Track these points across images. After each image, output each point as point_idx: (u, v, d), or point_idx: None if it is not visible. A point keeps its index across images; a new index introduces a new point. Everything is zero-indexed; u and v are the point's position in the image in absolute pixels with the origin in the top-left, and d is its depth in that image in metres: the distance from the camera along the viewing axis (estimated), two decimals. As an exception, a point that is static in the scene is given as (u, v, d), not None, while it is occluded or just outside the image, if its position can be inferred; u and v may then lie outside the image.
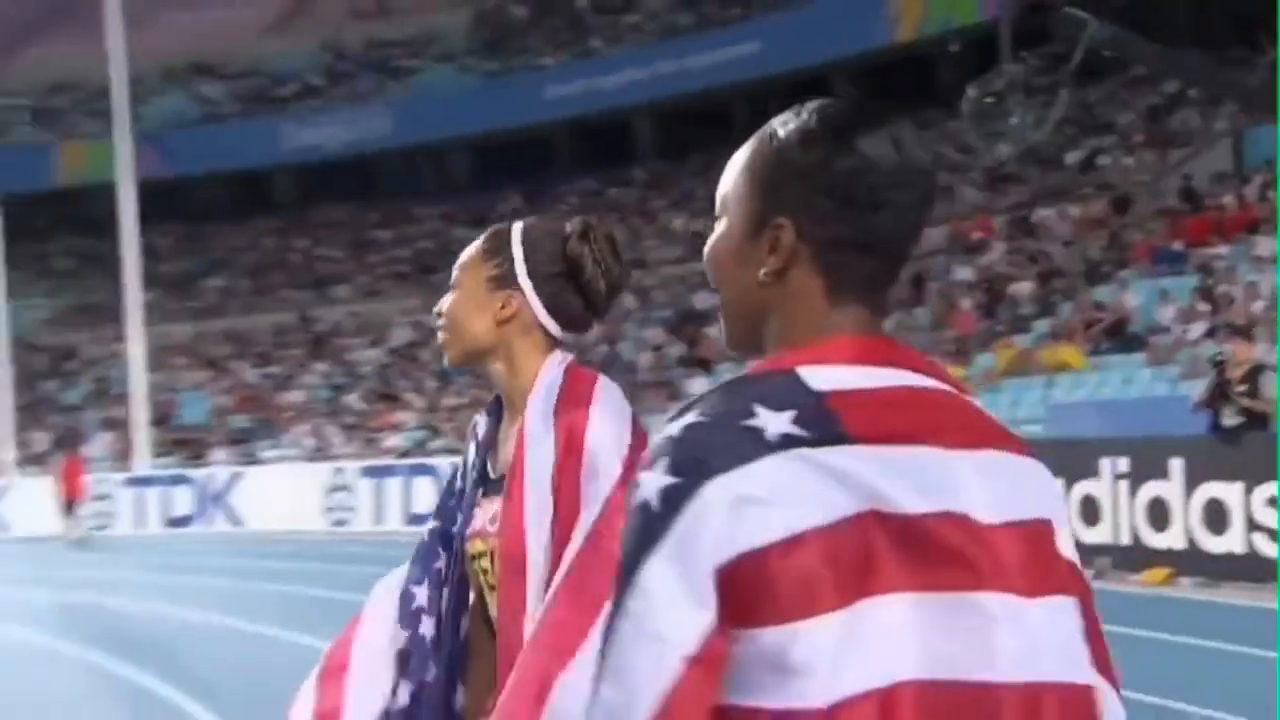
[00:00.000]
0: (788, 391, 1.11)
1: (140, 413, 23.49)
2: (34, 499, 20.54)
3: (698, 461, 1.06)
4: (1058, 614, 1.12)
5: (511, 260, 1.80)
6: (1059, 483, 1.26)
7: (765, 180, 1.18)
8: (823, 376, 1.11)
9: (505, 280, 1.79)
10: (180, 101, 37.74)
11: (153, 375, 27.94)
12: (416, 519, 17.70)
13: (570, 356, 1.83)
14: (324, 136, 33.43)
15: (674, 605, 1.04)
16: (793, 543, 1.04)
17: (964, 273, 20.78)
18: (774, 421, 1.08)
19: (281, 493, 19.86)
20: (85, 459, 21.84)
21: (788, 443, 1.07)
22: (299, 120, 34.53)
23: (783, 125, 1.19)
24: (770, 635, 1.04)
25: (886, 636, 1.04)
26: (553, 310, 1.79)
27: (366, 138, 32.85)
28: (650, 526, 1.07)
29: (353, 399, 24.98)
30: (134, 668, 8.72)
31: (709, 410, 1.11)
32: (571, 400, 1.76)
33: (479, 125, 31.48)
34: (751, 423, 1.08)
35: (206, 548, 18.00)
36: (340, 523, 18.99)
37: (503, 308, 1.79)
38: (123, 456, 24.22)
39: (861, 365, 1.13)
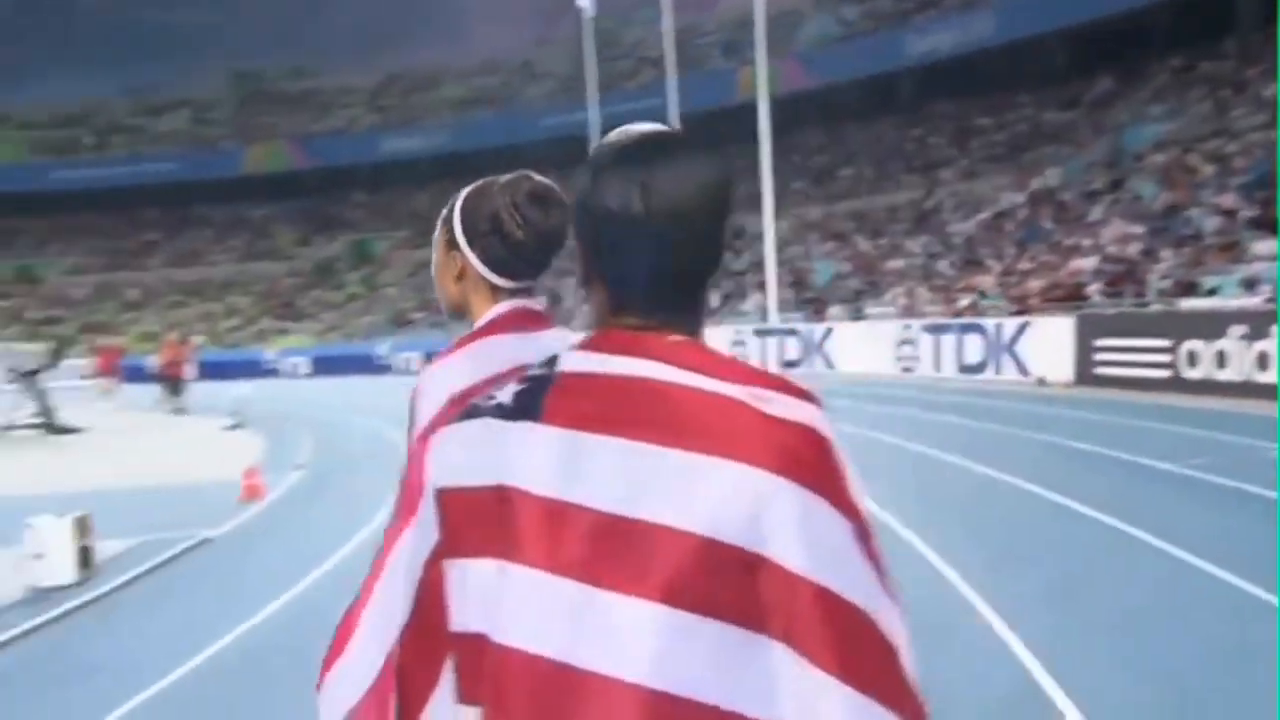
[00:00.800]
0: (542, 368, 1.09)
1: (771, 278, 25.13)
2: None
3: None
4: (628, 610, 0.97)
5: (453, 223, 1.69)
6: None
7: (574, 204, 1.11)
8: (577, 360, 1.07)
9: (453, 242, 1.67)
10: (826, 23, 39.00)
11: (793, 248, 30.17)
12: (966, 369, 17.83)
13: (518, 304, 1.66)
14: (937, 42, 32.90)
15: (419, 530, 1.11)
16: (453, 492, 1.07)
17: None
18: (504, 393, 1.08)
19: (863, 344, 20.49)
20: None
21: (492, 411, 1.07)
22: (918, 30, 34.22)
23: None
24: (449, 565, 1.07)
25: (477, 592, 1.04)
26: (488, 263, 1.65)
27: (972, 39, 31.82)
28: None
29: (944, 265, 25.14)
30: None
31: None
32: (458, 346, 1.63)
33: (1076, 16, 29.14)
34: (497, 389, 1.10)
35: (809, 384, 19.26)
36: (907, 369, 19.14)
37: (455, 266, 1.68)
38: (764, 312, 26.16)
39: (611, 355, 1.06)
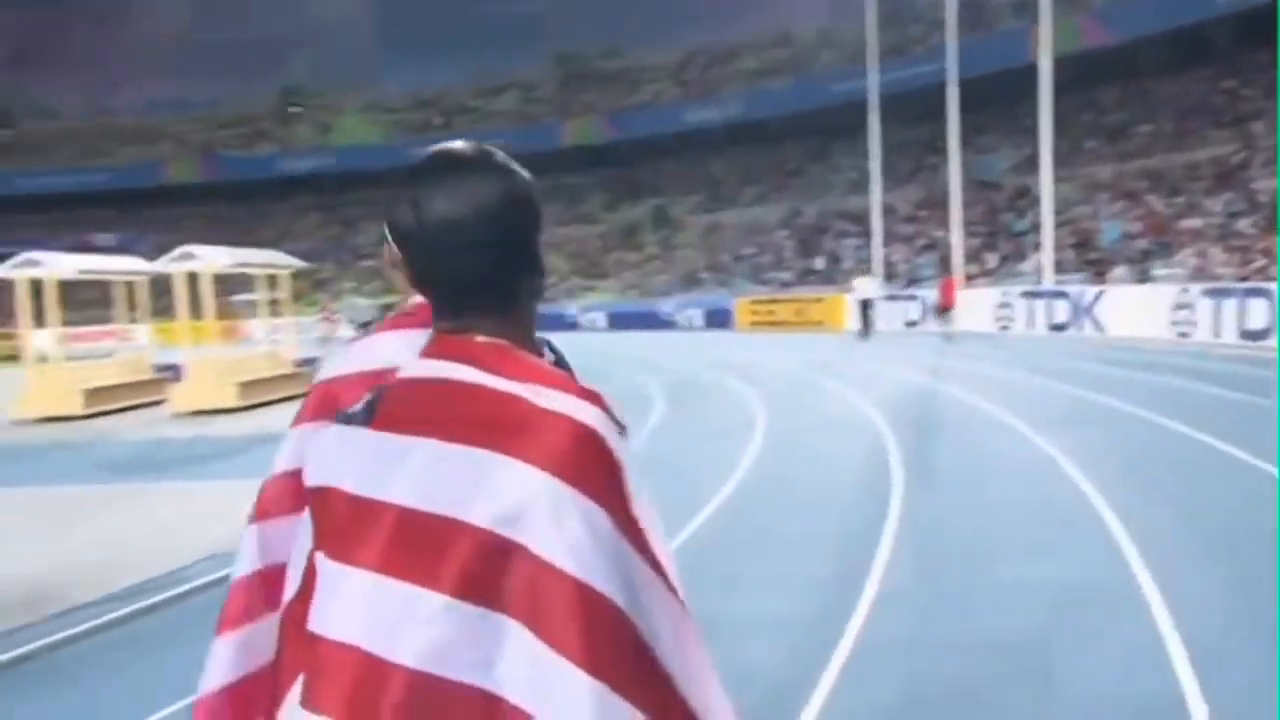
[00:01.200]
0: (393, 378, 1.10)
1: (1048, 238, 23.22)
2: (972, 308, 22.06)
3: None
4: (414, 600, 0.97)
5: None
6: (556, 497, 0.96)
7: None
8: (416, 367, 1.09)
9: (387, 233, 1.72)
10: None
11: (1080, 208, 27.68)
12: (1248, 335, 15.72)
13: None
14: (1255, -15, 28.70)
15: (305, 522, 1.12)
16: (313, 491, 1.09)
17: None
18: (361, 402, 1.10)
19: (1136, 308, 18.59)
20: (955, 278, 22.36)
21: (344, 419, 1.10)
22: (1237, -26, 30.00)
23: None
24: (316, 556, 1.08)
25: (320, 587, 1.05)
26: None
27: (1296, -21, 27.46)
28: None
29: (1244, 225, 22.19)
30: (996, 405, 10.18)
31: None
32: None
33: None
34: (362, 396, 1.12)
35: (1074, 348, 17.74)
36: (1183, 335, 17.21)
37: (391, 256, 1.68)
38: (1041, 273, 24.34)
39: (433, 359, 1.08)
